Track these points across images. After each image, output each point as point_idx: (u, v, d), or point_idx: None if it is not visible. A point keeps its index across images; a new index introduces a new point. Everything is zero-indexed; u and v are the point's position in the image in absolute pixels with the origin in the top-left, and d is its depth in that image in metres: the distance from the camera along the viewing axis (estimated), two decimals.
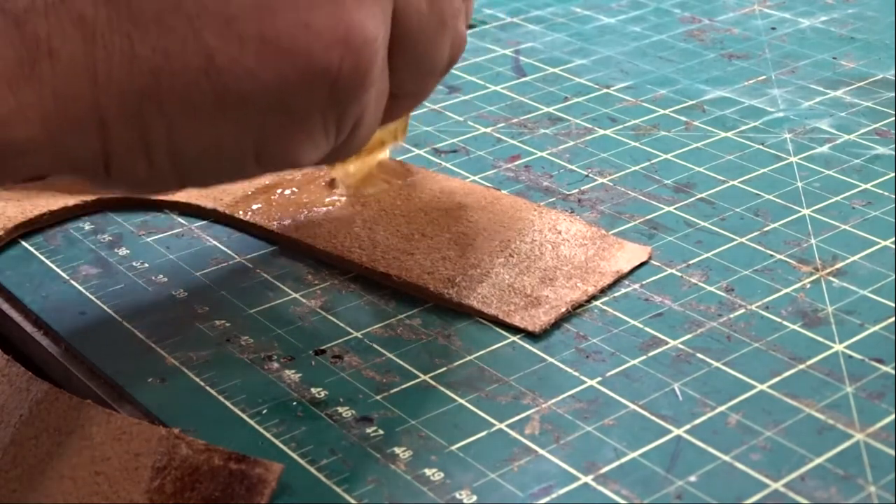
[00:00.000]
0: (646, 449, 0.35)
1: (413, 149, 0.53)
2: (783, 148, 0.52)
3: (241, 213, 0.47)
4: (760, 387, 0.38)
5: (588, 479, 0.34)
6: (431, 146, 0.53)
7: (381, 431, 0.36)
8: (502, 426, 0.37)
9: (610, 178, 0.50)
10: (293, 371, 0.39)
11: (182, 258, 0.45)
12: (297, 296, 0.43)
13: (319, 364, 0.39)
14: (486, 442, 0.36)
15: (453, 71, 0.60)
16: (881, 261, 0.44)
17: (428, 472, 0.35)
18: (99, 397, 0.39)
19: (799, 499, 0.33)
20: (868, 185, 0.49)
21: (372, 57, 0.35)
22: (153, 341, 0.41)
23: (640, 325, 0.41)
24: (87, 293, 0.43)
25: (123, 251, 0.46)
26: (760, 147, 0.53)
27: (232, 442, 0.36)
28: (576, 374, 0.39)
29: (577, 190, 0.49)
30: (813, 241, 0.46)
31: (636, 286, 0.43)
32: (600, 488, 0.34)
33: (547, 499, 0.34)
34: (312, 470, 0.35)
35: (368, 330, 0.41)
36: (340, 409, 0.37)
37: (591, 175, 0.51)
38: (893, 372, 0.38)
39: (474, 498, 0.34)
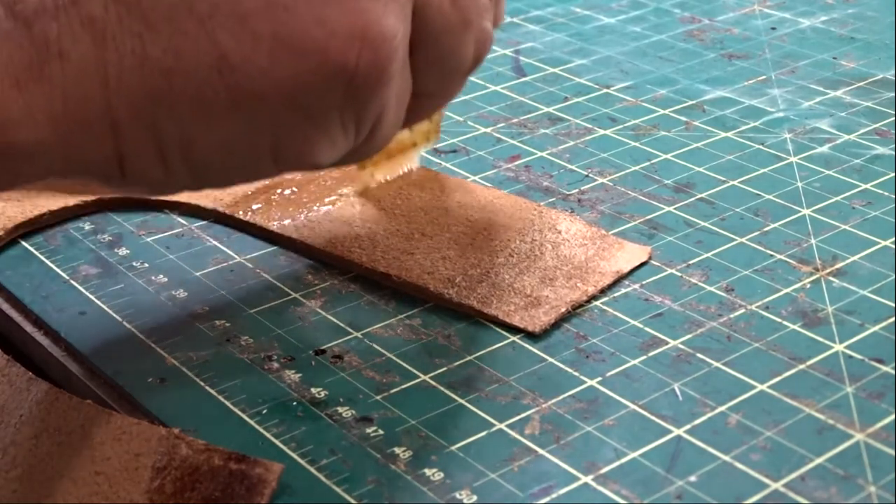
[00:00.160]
0: (646, 449, 0.35)
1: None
2: (783, 148, 0.53)
3: (241, 213, 0.47)
4: (760, 387, 0.38)
5: (588, 479, 0.34)
6: (431, 146, 0.53)
7: (381, 431, 0.36)
8: (502, 426, 0.37)
9: (610, 178, 0.50)
10: (293, 371, 0.39)
11: (182, 258, 0.45)
12: (297, 296, 0.43)
13: (319, 364, 0.39)
14: (486, 442, 0.36)
15: None
16: (881, 261, 0.44)
17: (428, 472, 0.35)
18: (99, 397, 0.39)
19: (799, 499, 0.33)
20: (868, 185, 0.49)
21: (391, 54, 0.34)
22: (153, 341, 0.41)
23: (640, 325, 0.41)
24: (87, 293, 0.43)
25: (123, 251, 0.46)
26: (760, 147, 0.53)
27: (232, 442, 0.36)
28: (576, 374, 0.39)
29: (577, 190, 0.49)
30: (813, 241, 0.46)
31: (636, 286, 0.43)
32: (600, 488, 0.34)
33: (547, 499, 0.34)
34: (312, 470, 0.35)
35: (368, 330, 0.41)
36: (340, 409, 0.37)
37: (591, 175, 0.51)
38: (893, 372, 0.38)
39: (474, 498, 0.34)
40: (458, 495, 0.34)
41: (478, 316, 0.42)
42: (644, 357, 0.39)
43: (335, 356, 0.40)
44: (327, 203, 0.47)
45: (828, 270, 0.44)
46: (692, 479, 0.34)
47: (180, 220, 0.48)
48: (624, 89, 0.58)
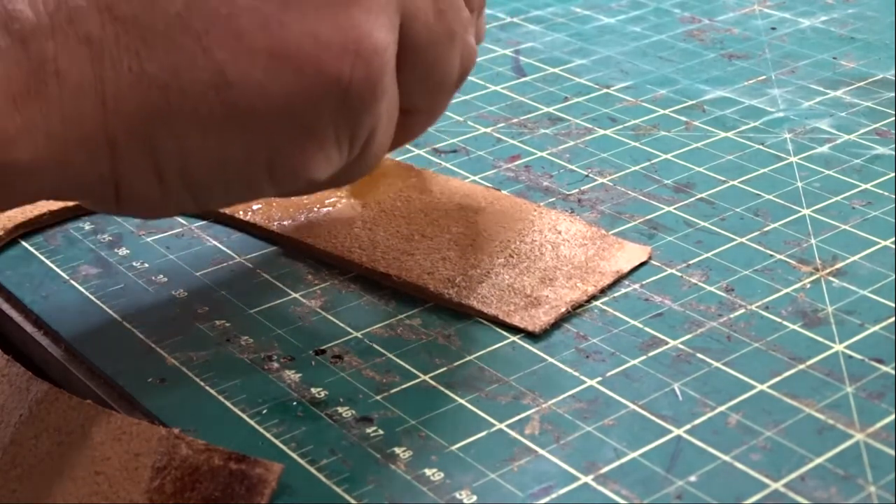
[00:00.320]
0: (646, 449, 0.35)
1: (413, 149, 0.53)
2: (783, 148, 0.53)
3: (241, 213, 0.47)
4: (760, 387, 0.38)
5: (588, 479, 0.34)
6: (431, 146, 0.53)
7: (381, 431, 0.36)
8: (502, 426, 0.37)
9: (610, 178, 0.50)
10: (293, 371, 0.39)
11: (182, 258, 0.45)
12: (297, 296, 0.43)
13: (319, 364, 0.39)
14: (486, 442, 0.36)
15: None
16: (881, 261, 0.44)
17: (428, 472, 0.35)
18: (99, 397, 0.39)
19: (799, 499, 0.33)
20: (868, 185, 0.49)
21: (382, 66, 0.35)
22: (153, 341, 0.41)
23: (640, 325, 0.41)
24: (87, 293, 0.43)
25: (123, 251, 0.46)
26: (760, 147, 0.53)
27: (232, 442, 0.36)
28: (576, 374, 0.39)
29: (577, 190, 0.49)
30: (813, 241, 0.46)
31: (636, 286, 0.43)
32: (600, 488, 0.34)
33: (547, 499, 0.34)
34: (312, 470, 0.35)
35: (368, 330, 0.41)
36: (340, 409, 0.37)
37: (591, 175, 0.51)
38: (893, 372, 0.38)
39: (474, 498, 0.34)
40: (458, 495, 0.34)
41: (478, 316, 0.42)
42: (644, 357, 0.39)
43: (335, 356, 0.40)
44: (327, 203, 0.47)
45: (828, 270, 0.44)
46: (692, 479, 0.34)
47: (180, 220, 0.48)
48: (624, 89, 0.58)
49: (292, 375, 0.39)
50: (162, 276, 0.44)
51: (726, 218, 0.47)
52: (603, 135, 0.54)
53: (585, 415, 0.37)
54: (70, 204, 0.48)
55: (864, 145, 0.52)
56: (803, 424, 0.36)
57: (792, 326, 0.41)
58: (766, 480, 0.34)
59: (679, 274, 0.44)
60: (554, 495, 0.34)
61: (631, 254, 0.45)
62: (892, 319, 0.41)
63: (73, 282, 0.44)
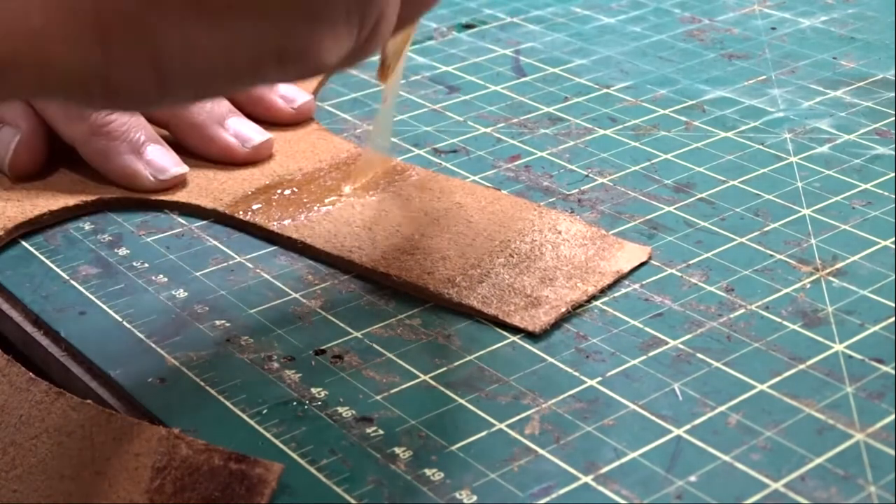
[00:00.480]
0: (646, 449, 0.35)
1: (413, 149, 0.53)
2: (783, 148, 0.53)
3: (241, 213, 0.47)
4: (760, 387, 0.38)
5: (588, 479, 0.34)
6: (431, 146, 0.53)
7: (381, 431, 0.36)
8: (502, 426, 0.37)
9: (610, 178, 0.50)
10: (293, 371, 0.39)
11: (182, 258, 0.45)
12: (297, 296, 0.43)
13: (319, 364, 0.39)
14: (486, 442, 0.36)
15: (453, 71, 0.60)
16: (881, 261, 0.44)
17: (428, 472, 0.35)
18: (99, 397, 0.39)
19: (799, 499, 0.33)
20: (868, 185, 0.49)
21: None
22: (153, 341, 0.41)
23: (640, 325, 0.41)
24: (87, 293, 0.43)
25: (123, 251, 0.46)
26: (760, 147, 0.53)
27: (232, 442, 0.36)
28: (576, 374, 0.39)
29: (577, 190, 0.49)
30: (813, 241, 0.46)
31: (636, 286, 0.43)
32: (600, 488, 0.34)
33: (547, 499, 0.34)
34: (312, 470, 0.35)
35: (368, 330, 0.41)
36: (340, 409, 0.37)
37: (591, 175, 0.51)
38: (893, 372, 0.38)
39: (474, 498, 0.34)
40: (458, 495, 0.34)
41: (478, 316, 0.42)
42: (644, 357, 0.39)
43: (335, 356, 0.40)
44: (327, 203, 0.47)
45: (828, 270, 0.44)
46: (692, 479, 0.34)
47: (180, 220, 0.48)
48: (624, 89, 0.58)
49: (292, 375, 0.39)
50: (162, 276, 0.44)
51: (726, 218, 0.47)
52: (603, 135, 0.54)
53: (585, 415, 0.37)
54: (70, 204, 0.48)
55: (864, 145, 0.52)
56: (803, 424, 0.36)
57: (792, 326, 0.41)
58: (766, 480, 0.34)
59: (679, 274, 0.44)
60: (554, 495, 0.34)
61: (631, 254, 0.45)
62: (892, 319, 0.41)
63: (73, 282, 0.44)
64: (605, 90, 0.58)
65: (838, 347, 0.40)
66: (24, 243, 0.47)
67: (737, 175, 0.50)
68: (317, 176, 0.50)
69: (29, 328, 0.42)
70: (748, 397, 0.37)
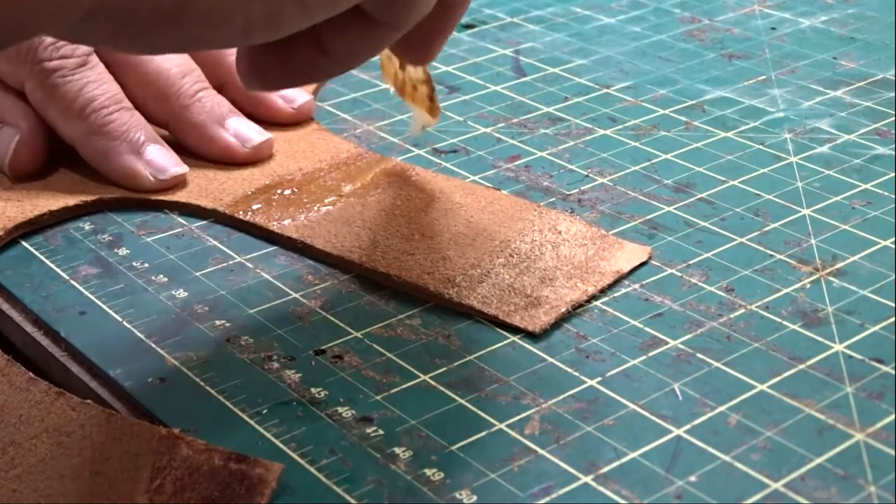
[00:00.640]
0: (646, 449, 0.35)
1: (413, 149, 0.53)
2: (783, 148, 0.53)
3: (241, 213, 0.47)
4: (760, 387, 0.38)
5: (588, 479, 0.34)
6: (431, 146, 0.53)
7: (381, 431, 0.36)
8: (502, 426, 0.37)
9: (610, 178, 0.50)
10: (293, 371, 0.39)
11: (182, 258, 0.45)
12: (297, 296, 0.43)
13: (319, 364, 0.39)
14: (486, 442, 0.36)
15: (453, 71, 0.60)
16: (881, 261, 0.44)
17: (428, 472, 0.35)
18: (99, 397, 0.39)
19: (799, 499, 0.33)
20: (868, 185, 0.49)
21: None
22: (153, 341, 0.41)
23: (640, 325, 0.41)
24: (87, 293, 0.43)
25: (123, 251, 0.46)
26: (760, 147, 0.53)
27: (232, 442, 0.36)
28: (576, 374, 0.39)
29: (577, 190, 0.49)
30: (813, 241, 0.46)
31: (636, 286, 0.43)
32: (600, 488, 0.34)
33: (547, 499, 0.34)
34: (312, 470, 0.35)
35: (368, 330, 0.41)
36: (340, 409, 0.37)
37: (591, 175, 0.51)
38: (893, 372, 0.38)
39: (474, 498, 0.34)
40: (458, 495, 0.34)
41: (478, 316, 0.42)
42: (644, 357, 0.39)
43: (335, 356, 0.40)
44: (327, 203, 0.47)
45: (828, 270, 0.44)
46: (692, 479, 0.34)
47: (180, 220, 0.48)
48: (624, 89, 0.58)
49: (292, 375, 0.39)
50: (162, 276, 0.44)
51: (726, 218, 0.47)
52: (603, 135, 0.54)
53: (585, 415, 0.37)
54: (70, 204, 0.48)
55: (864, 145, 0.52)
56: (803, 424, 0.36)
57: (792, 326, 0.41)
58: (766, 480, 0.34)
59: (679, 274, 0.44)
60: (554, 495, 0.34)
61: (631, 254, 0.45)
62: (892, 319, 0.41)
63: (73, 282, 0.44)
64: (605, 90, 0.58)
65: (838, 347, 0.40)
66: (24, 243, 0.47)
67: (737, 175, 0.50)
68: (317, 176, 0.50)
69: (29, 328, 0.42)
70: (748, 397, 0.37)
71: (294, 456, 0.35)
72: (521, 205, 0.47)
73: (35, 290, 0.44)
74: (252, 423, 0.37)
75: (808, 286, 0.43)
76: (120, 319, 0.42)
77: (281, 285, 0.44)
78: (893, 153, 0.52)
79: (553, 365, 0.39)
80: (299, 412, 0.37)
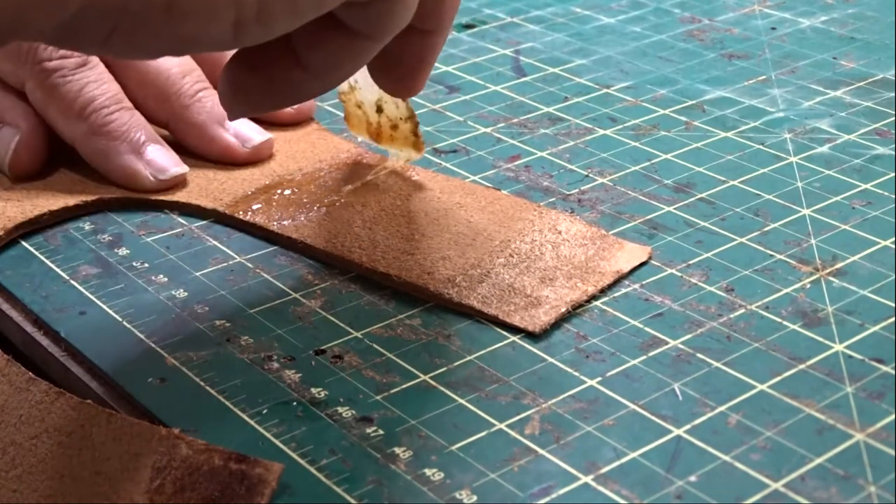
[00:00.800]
0: (646, 449, 0.35)
1: None
2: (783, 148, 0.53)
3: (241, 213, 0.47)
4: (760, 387, 0.38)
5: (588, 479, 0.34)
6: (431, 146, 0.53)
7: (381, 431, 0.36)
8: (502, 426, 0.37)
9: (610, 178, 0.50)
10: (293, 371, 0.39)
11: (182, 258, 0.45)
12: (297, 296, 0.43)
13: (319, 364, 0.39)
14: (486, 442, 0.36)
15: (453, 71, 0.60)
16: (881, 261, 0.44)
17: (428, 472, 0.35)
18: (99, 397, 0.39)
19: (799, 499, 0.33)
20: (868, 185, 0.49)
21: None
22: (153, 341, 0.41)
23: (640, 325, 0.41)
24: (87, 293, 0.43)
25: (123, 251, 0.46)
26: (760, 147, 0.53)
27: (232, 442, 0.36)
28: (576, 374, 0.39)
29: (577, 190, 0.49)
30: (813, 241, 0.46)
31: (636, 286, 0.43)
32: (600, 488, 0.34)
33: (547, 499, 0.34)
34: (312, 470, 0.35)
35: (368, 330, 0.41)
36: (340, 409, 0.37)
37: (591, 175, 0.51)
38: (893, 372, 0.38)
39: (474, 498, 0.34)
40: (458, 495, 0.34)
41: (478, 316, 0.42)
42: (644, 357, 0.39)
43: (335, 356, 0.40)
44: (327, 203, 0.48)
45: (828, 270, 0.44)
46: (692, 479, 0.34)
47: (180, 220, 0.48)
48: (624, 89, 0.58)
49: (292, 375, 0.39)
50: (162, 276, 0.44)
51: (726, 218, 0.47)
52: (603, 135, 0.54)
53: (585, 415, 0.37)
54: (70, 204, 0.48)
55: (864, 145, 0.52)
56: (803, 424, 0.36)
57: (792, 326, 0.41)
58: (766, 480, 0.34)
59: (679, 274, 0.44)
60: (554, 495, 0.34)
61: (631, 254, 0.45)
62: (892, 319, 0.41)
63: (73, 282, 0.44)
64: (605, 90, 0.58)
65: (838, 347, 0.40)
66: (24, 243, 0.47)
67: (737, 175, 0.50)
68: (317, 176, 0.50)
69: (29, 328, 0.42)
70: (748, 397, 0.37)
71: (294, 456, 0.35)
72: (521, 205, 0.47)
73: (35, 290, 0.44)
74: (252, 423, 0.37)
75: (808, 286, 0.43)
76: (120, 319, 0.42)
77: (281, 285, 0.44)
78: (893, 153, 0.52)
79: (553, 365, 0.39)
80: (299, 412, 0.37)
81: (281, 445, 0.36)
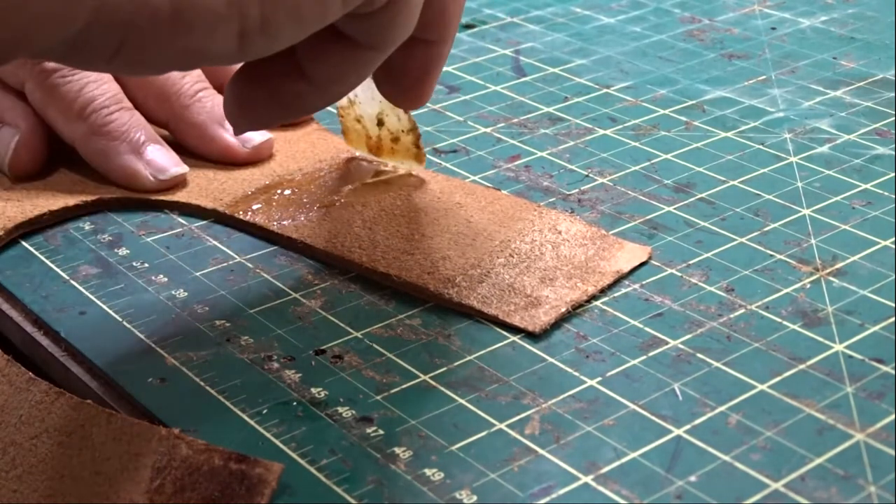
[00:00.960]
0: (646, 449, 0.35)
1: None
2: (783, 148, 0.53)
3: (241, 213, 0.47)
4: (760, 387, 0.38)
5: (588, 479, 0.34)
6: (431, 146, 0.53)
7: (381, 431, 0.36)
8: (502, 426, 0.37)
9: (610, 178, 0.50)
10: (293, 371, 0.39)
11: (182, 258, 0.45)
12: (297, 296, 0.43)
13: (319, 364, 0.39)
14: (486, 442, 0.36)
15: (453, 71, 0.60)
16: (881, 261, 0.44)
17: (428, 472, 0.35)
18: (99, 397, 0.39)
19: (799, 499, 0.33)
20: (868, 185, 0.49)
21: None
22: (153, 341, 0.41)
23: (640, 325, 0.41)
24: (87, 293, 0.43)
25: (123, 251, 0.46)
26: (760, 147, 0.53)
27: (232, 442, 0.36)
28: (576, 374, 0.39)
29: (577, 190, 0.49)
30: (813, 241, 0.46)
31: (636, 286, 0.43)
32: (600, 488, 0.34)
33: (547, 499, 0.34)
34: (312, 470, 0.35)
35: (368, 330, 0.41)
36: (340, 409, 0.37)
37: (591, 175, 0.51)
38: (893, 372, 0.38)
39: (474, 498, 0.34)
40: (458, 495, 0.34)
41: (478, 316, 0.42)
42: (644, 357, 0.39)
43: (335, 356, 0.40)
44: (327, 203, 0.48)
45: (828, 270, 0.44)
46: (692, 479, 0.34)
47: (180, 220, 0.48)
48: (624, 89, 0.58)
49: (292, 375, 0.39)
50: (162, 276, 0.44)
51: (726, 218, 0.47)
52: (603, 135, 0.54)
53: (585, 415, 0.37)
54: (70, 204, 0.48)
55: (864, 145, 0.52)
56: (803, 424, 0.36)
57: (792, 326, 0.41)
58: (766, 480, 0.34)
59: (679, 274, 0.44)
60: (554, 495, 0.34)
61: (631, 254, 0.45)
62: (892, 319, 0.41)
63: (73, 282, 0.44)
64: (605, 90, 0.58)
65: (838, 347, 0.40)
66: (24, 243, 0.47)
67: (737, 175, 0.50)
68: (317, 176, 0.50)
69: (29, 328, 0.42)
70: (748, 397, 0.37)
71: (294, 456, 0.35)
72: (521, 205, 0.47)
73: (35, 290, 0.44)
74: (252, 423, 0.37)
75: (808, 286, 0.43)
76: (120, 319, 0.42)
77: (281, 285, 0.44)
78: (893, 153, 0.52)
79: (553, 365, 0.39)
80: (299, 412, 0.37)
81: (281, 445, 0.36)
